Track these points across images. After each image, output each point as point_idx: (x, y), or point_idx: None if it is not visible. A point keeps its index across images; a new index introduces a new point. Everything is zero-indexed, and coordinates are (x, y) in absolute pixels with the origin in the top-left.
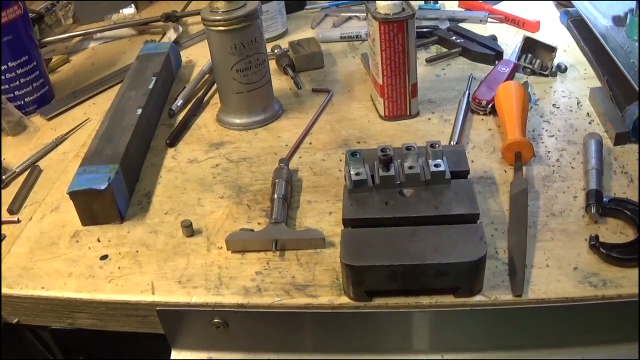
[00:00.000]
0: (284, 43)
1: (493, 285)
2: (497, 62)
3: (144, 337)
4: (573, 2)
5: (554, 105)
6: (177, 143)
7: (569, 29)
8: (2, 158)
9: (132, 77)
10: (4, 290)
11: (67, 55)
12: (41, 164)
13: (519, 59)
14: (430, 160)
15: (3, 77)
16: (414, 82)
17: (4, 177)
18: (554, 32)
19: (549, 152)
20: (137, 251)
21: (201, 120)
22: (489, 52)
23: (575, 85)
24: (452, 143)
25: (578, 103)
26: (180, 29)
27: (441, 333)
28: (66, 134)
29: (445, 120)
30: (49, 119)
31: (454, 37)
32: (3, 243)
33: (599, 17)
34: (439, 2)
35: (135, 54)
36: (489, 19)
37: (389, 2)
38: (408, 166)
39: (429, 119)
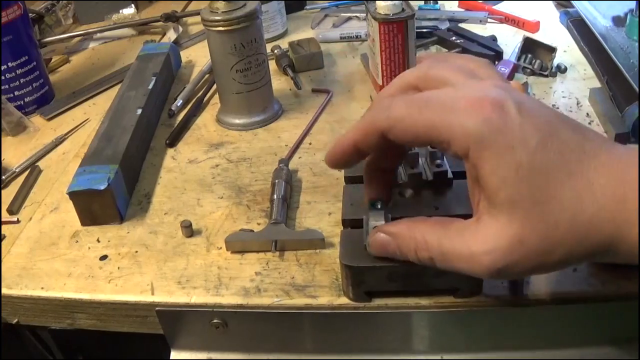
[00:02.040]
0: (283, 43)
1: (493, 285)
2: (496, 62)
3: (144, 337)
4: (573, 2)
5: (553, 105)
6: (176, 143)
7: (569, 30)
8: (2, 158)
9: (132, 77)
10: (4, 291)
11: (67, 55)
12: (41, 164)
13: (518, 59)
14: (431, 161)
15: (3, 77)
16: None
17: (3, 177)
18: (554, 32)
19: None
20: (136, 251)
21: (201, 120)
22: (489, 52)
23: (575, 85)
24: None
25: (578, 103)
26: (180, 29)
27: (441, 333)
28: (66, 134)
29: None
30: (49, 119)
31: (453, 38)
32: (3, 243)
33: (599, 18)
34: (439, 2)
35: (135, 54)
36: (489, 19)
37: (389, 2)
38: (410, 166)
39: None
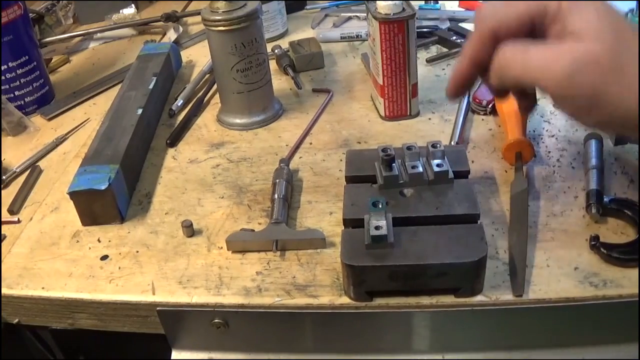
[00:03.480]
0: (284, 43)
1: (494, 285)
2: None
3: (144, 337)
4: None
5: (554, 105)
6: (177, 143)
7: None
8: (2, 158)
9: (133, 77)
10: (4, 291)
11: (67, 55)
12: (41, 164)
13: None
14: (432, 161)
15: (3, 77)
16: (415, 82)
17: (4, 177)
18: None
19: (549, 152)
20: (137, 251)
21: (201, 120)
22: None
23: None
24: (452, 143)
25: None
26: (181, 29)
27: (442, 333)
28: (66, 134)
29: (446, 120)
30: (49, 119)
31: (454, 37)
32: (3, 243)
33: None
34: (439, 2)
35: (135, 54)
36: None
37: (390, 2)
38: (411, 166)
39: (430, 119)
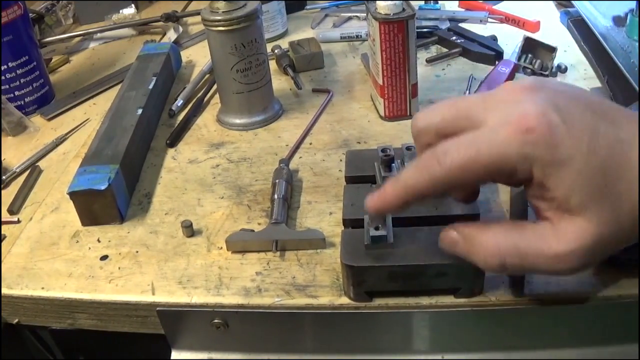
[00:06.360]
0: (284, 43)
1: (493, 285)
2: (497, 62)
3: (144, 337)
4: (573, 2)
5: None
6: (177, 143)
7: (569, 29)
8: (2, 158)
9: (132, 78)
10: (4, 291)
11: (67, 55)
12: (41, 164)
13: (519, 59)
14: None
15: (3, 77)
16: (414, 83)
17: (4, 177)
18: (554, 32)
19: None
20: (137, 251)
21: (201, 120)
22: (489, 52)
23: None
24: None
25: None
26: (181, 29)
27: (441, 333)
28: (66, 134)
29: None
30: (49, 119)
31: (454, 37)
32: (3, 243)
33: (599, 18)
34: (439, 2)
35: (135, 54)
36: (489, 19)
37: (389, 2)
38: None
39: None
